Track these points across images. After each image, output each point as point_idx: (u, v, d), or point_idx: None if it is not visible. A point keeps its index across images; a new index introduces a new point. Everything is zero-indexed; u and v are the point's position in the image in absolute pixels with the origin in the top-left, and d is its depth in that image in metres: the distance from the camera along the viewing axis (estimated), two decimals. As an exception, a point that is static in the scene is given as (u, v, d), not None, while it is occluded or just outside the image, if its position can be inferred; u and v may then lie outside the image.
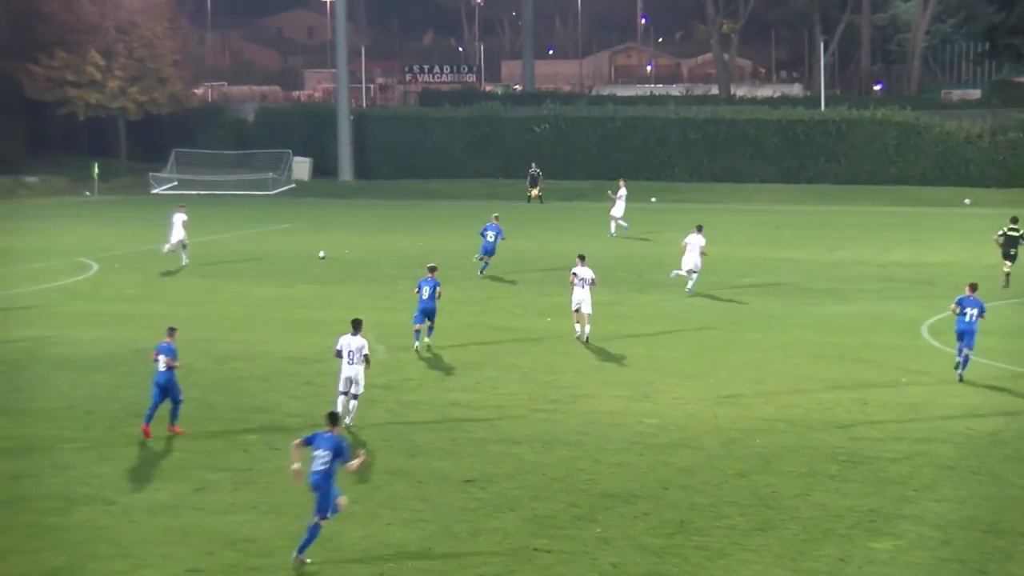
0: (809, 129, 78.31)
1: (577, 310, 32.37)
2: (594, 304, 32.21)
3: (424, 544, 18.27)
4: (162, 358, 23.57)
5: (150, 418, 23.66)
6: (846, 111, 79.01)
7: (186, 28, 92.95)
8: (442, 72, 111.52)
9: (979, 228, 58.27)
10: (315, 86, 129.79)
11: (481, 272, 43.10)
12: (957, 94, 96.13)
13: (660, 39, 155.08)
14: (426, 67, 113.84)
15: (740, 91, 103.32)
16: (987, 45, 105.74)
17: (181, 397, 23.87)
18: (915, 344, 32.24)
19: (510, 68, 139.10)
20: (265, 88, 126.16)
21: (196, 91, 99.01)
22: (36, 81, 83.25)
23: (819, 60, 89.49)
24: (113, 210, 70.79)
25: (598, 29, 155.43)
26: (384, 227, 60.91)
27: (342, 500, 17.85)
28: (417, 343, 30.94)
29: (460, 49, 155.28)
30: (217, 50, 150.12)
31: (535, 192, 71.87)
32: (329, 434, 17.89)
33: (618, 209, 55.57)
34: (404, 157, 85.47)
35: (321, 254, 48.65)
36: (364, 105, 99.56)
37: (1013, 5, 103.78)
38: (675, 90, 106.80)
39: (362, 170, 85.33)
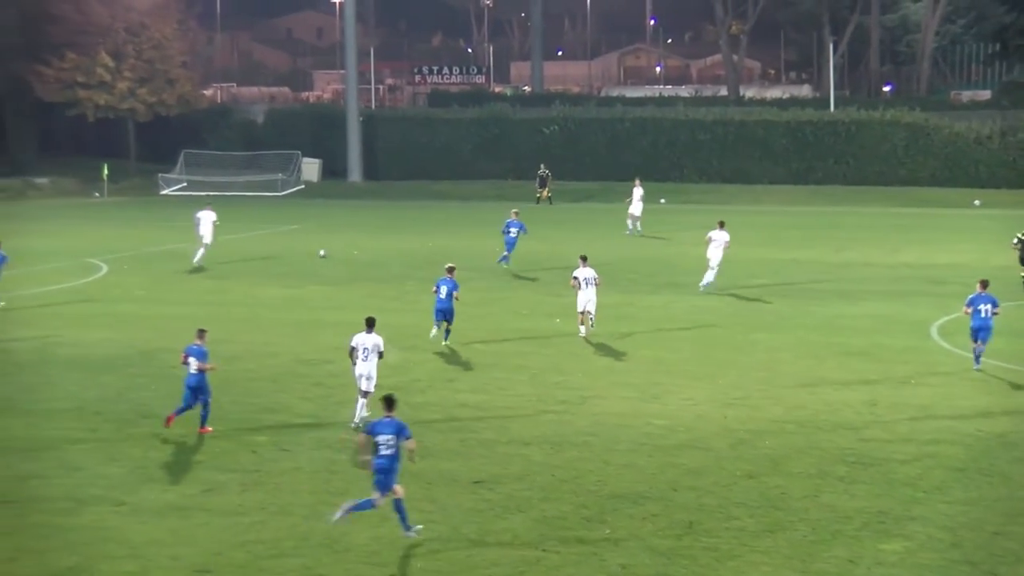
0: (818, 130, 78.22)
1: (583, 311, 32.62)
2: (604, 305, 32.24)
3: (433, 545, 18.28)
4: (192, 361, 23.73)
5: (179, 413, 23.94)
6: (855, 112, 78.93)
7: (195, 29, 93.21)
8: (451, 73, 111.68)
9: (989, 229, 58.25)
10: (324, 87, 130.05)
11: (499, 261, 44.63)
12: (967, 95, 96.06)
13: (669, 40, 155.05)
14: (435, 68, 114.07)
15: (749, 92, 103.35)
16: (997, 46, 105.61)
17: (210, 399, 24.06)
18: (924, 345, 32.19)
19: (519, 69, 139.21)
20: (274, 89, 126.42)
21: (205, 92, 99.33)
22: (46, 83, 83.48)
23: (828, 61, 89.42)
24: (122, 211, 70.92)
25: (607, 30, 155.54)
26: (393, 228, 60.95)
27: (399, 488, 18.33)
28: (433, 333, 31.50)
29: (469, 50, 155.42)
30: (226, 51, 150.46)
31: (544, 193, 71.90)
32: (388, 419, 18.46)
33: (636, 207, 56.50)
34: (413, 158, 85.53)
35: (322, 252, 49.00)
36: (373, 106, 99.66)
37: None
38: (684, 91, 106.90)
39: (371, 171, 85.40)
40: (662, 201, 70.12)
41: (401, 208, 72.17)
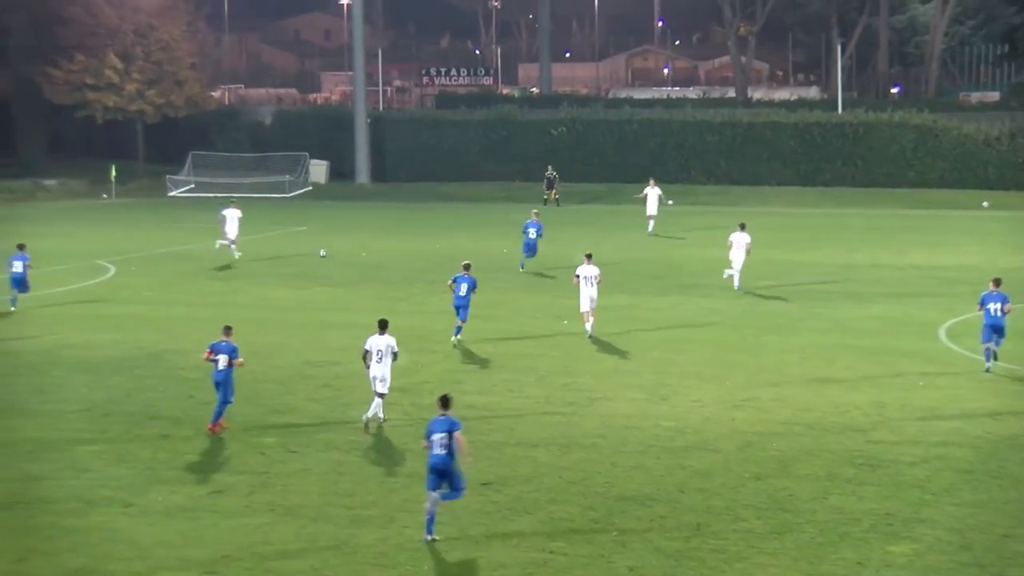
0: (826, 132, 78.14)
1: (585, 311, 33.01)
2: (612, 307, 32.27)
3: (441, 547, 18.28)
4: (222, 357, 23.95)
5: (216, 416, 24.13)
6: (863, 114, 78.82)
7: (203, 31, 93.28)
8: (459, 75, 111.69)
9: (997, 231, 58.24)
10: (332, 89, 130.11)
11: (522, 267, 45.07)
12: (976, 96, 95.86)
13: (677, 42, 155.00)
14: (443, 70, 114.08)
15: (757, 94, 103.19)
16: (1006, 47, 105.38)
17: (232, 399, 24.23)
18: (932, 347, 32.15)
19: (527, 71, 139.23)
20: (282, 91, 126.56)
21: (213, 94, 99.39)
22: (55, 84, 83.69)
23: (836, 63, 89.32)
24: (130, 213, 71.01)
25: (615, 32, 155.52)
26: (401, 230, 60.98)
27: (436, 495, 18.51)
28: (456, 334, 32.03)
29: (477, 52, 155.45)
30: (234, 53, 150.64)
31: (552, 195, 71.94)
32: (443, 417, 18.67)
33: (652, 207, 57.24)
34: (421, 160, 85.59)
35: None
36: (381, 108, 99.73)
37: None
38: (692, 93, 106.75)
39: (379, 173, 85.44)
40: (670, 203, 69.78)
41: (409, 210, 72.21)
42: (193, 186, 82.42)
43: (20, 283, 37.33)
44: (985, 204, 69.82)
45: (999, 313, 28.84)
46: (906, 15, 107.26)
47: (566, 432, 24.13)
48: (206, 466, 22.19)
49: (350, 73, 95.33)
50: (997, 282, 29.46)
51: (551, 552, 18.11)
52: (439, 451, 18.47)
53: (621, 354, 31.23)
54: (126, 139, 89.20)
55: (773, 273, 44.47)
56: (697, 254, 50.74)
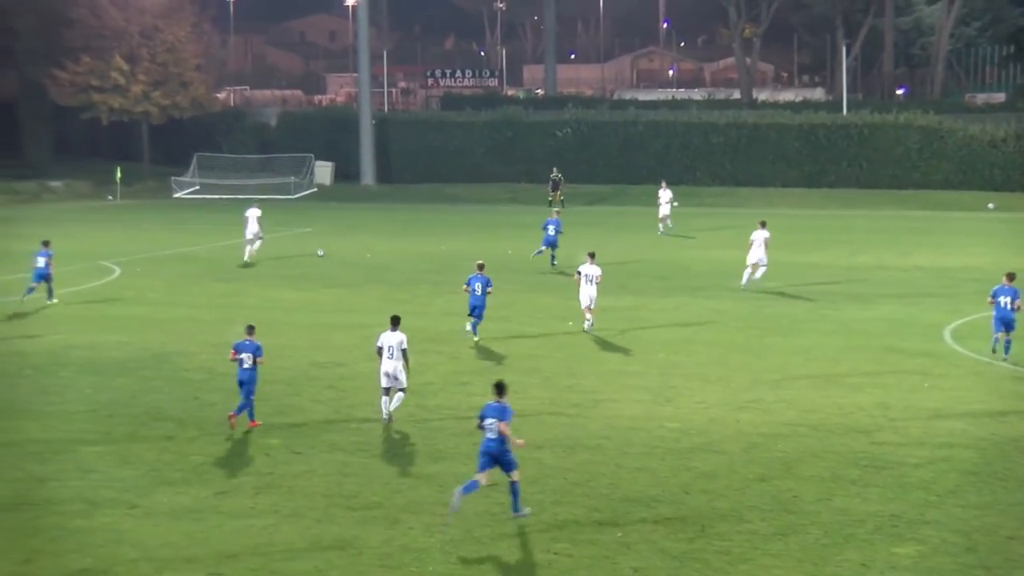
0: (831, 133, 78.07)
1: (584, 307, 33.70)
2: (616, 308, 32.36)
3: (445, 548, 18.30)
4: (247, 356, 24.26)
5: (252, 415, 24.51)
6: (868, 115, 78.75)
7: (209, 32, 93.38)
8: (464, 76, 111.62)
9: (1003, 233, 58.17)
10: (337, 90, 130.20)
11: (552, 263, 45.81)
12: (981, 98, 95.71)
13: (682, 43, 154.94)
14: (448, 71, 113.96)
15: (762, 95, 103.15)
16: (1012, 48, 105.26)
17: (254, 395, 24.54)
18: (937, 348, 32.13)
19: (532, 72, 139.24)
20: (287, 92, 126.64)
21: (218, 95, 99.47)
22: (61, 86, 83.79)
23: (841, 64, 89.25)
24: (135, 214, 71.07)
25: (620, 33, 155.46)
26: (406, 231, 61.01)
27: (516, 473, 19.13)
28: (472, 331, 32.39)
29: (482, 53, 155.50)
30: (239, 54, 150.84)
31: (557, 196, 71.92)
32: (497, 403, 19.28)
33: (664, 209, 58.36)
34: (426, 161, 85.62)
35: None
36: (386, 109, 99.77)
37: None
38: (697, 94, 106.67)
39: (384, 174, 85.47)
40: (675, 204, 69.92)
41: (414, 211, 72.25)
42: (198, 188, 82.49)
43: (43, 278, 38.14)
44: (990, 206, 69.74)
45: (1009, 307, 29.66)
46: (912, 16, 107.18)
47: (571, 433, 24.14)
48: (211, 467, 22.21)
49: (355, 74, 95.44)
50: (1011, 276, 30.38)
51: (556, 553, 18.12)
52: (491, 436, 19.10)
53: (626, 355, 31.24)
54: (131, 141, 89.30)
55: (778, 274, 44.39)
56: (702, 255, 50.76)
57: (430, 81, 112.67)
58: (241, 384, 24.39)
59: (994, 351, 30.41)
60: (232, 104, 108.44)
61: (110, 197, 79.47)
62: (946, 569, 17.59)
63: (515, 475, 19.20)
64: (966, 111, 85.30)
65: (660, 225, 58.44)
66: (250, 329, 24.85)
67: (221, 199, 78.55)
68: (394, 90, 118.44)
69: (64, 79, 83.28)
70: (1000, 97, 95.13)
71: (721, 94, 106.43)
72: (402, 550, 18.24)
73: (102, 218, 68.86)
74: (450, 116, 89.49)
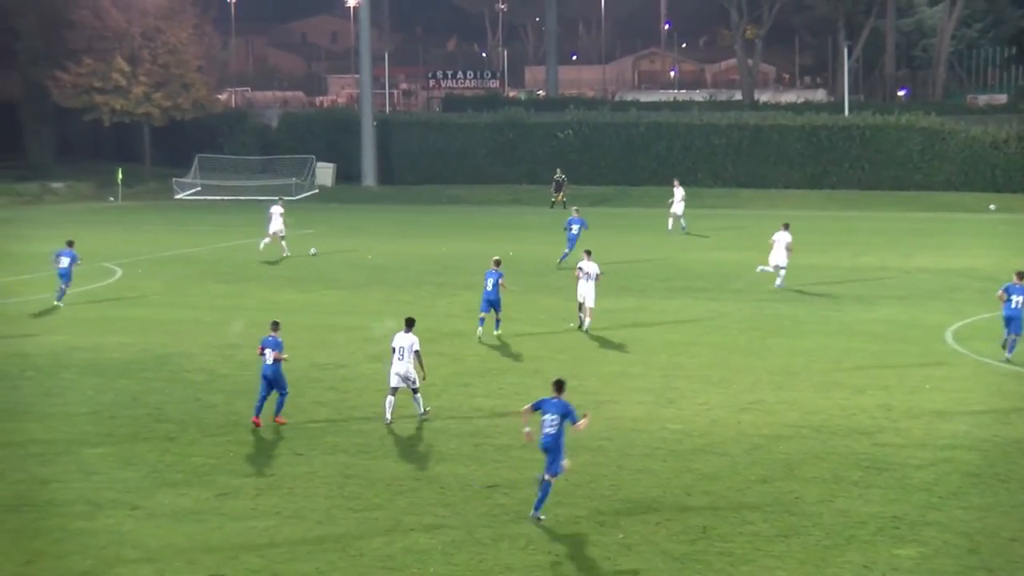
0: (833, 135, 78.04)
1: (581, 303, 34.16)
2: (619, 309, 32.38)
3: (447, 550, 18.29)
4: (269, 351, 24.55)
5: (259, 410, 24.70)
6: (870, 117, 78.69)
7: (210, 34, 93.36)
8: (465, 78, 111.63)
9: (1004, 234, 58.13)
10: (339, 92, 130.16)
11: (560, 260, 46.20)
12: (983, 99, 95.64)
13: (684, 44, 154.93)
14: (450, 73, 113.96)
15: (764, 97, 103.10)
16: (1014, 50, 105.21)
17: (287, 390, 24.89)
18: (940, 350, 32.11)
19: (533, 74, 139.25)
20: (288, 93, 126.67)
21: (220, 97, 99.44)
22: (63, 88, 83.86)
23: (843, 66, 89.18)
24: (137, 215, 71.09)
25: (622, 35, 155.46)
26: (407, 232, 61.01)
27: (566, 463, 19.51)
28: (480, 330, 32.82)
29: (484, 55, 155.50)
30: (241, 55, 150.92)
31: (559, 197, 71.99)
32: (556, 399, 19.53)
33: (679, 207, 58.97)
34: (427, 163, 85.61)
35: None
36: (388, 111, 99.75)
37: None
38: (699, 96, 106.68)
39: (385, 176, 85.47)
40: (669, 202, 70.10)
41: (415, 212, 72.25)
42: (199, 189, 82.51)
43: (66, 277, 38.80)
44: (992, 207, 69.71)
45: (1019, 306, 29.94)
46: (913, 18, 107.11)
47: (572, 435, 24.05)
48: (213, 469, 22.20)
49: (357, 76, 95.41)
50: (1021, 275, 30.52)
51: (557, 555, 18.12)
52: (550, 430, 19.36)
53: (628, 357, 31.23)
54: (133, 142, 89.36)
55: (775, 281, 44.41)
56: (704, 257, 50.75)
57: (431, 82, 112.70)
58: (264, 378, 24.68)
59: (1008, 350, 30.52)
60: (233, 105, 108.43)
61: (112, 198, 79.50)
62: (948, 571, 17.57)
63: (556, 477, 19.47)
64: (968, 112, 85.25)
65: (671, 222, 58.64)
66: (275, 325, 25.23)
67: (223, 200, 78.58)
68: (396, 91, 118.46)
69: (66, 80, 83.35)
70: (1002, 98, 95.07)
71: (723, 95, 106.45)
72: (404, 552, 18.23)
73: (104, 219, 68.85)
74: (452, 117, 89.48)
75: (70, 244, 39.40)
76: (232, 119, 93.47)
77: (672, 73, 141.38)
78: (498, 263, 33.31)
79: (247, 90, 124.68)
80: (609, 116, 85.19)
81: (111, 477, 21.70)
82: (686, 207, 59.39)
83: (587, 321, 34.13)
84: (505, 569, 17.65)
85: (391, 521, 19.44)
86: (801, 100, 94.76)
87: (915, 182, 76.16)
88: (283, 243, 50.57)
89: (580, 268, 34.36)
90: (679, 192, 59.34)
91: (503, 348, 32.17)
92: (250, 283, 44.09)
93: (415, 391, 25.01)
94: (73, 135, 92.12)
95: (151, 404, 26.57)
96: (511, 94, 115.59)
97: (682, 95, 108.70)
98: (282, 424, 24.68)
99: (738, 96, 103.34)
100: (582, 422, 19.56)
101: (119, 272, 46.50)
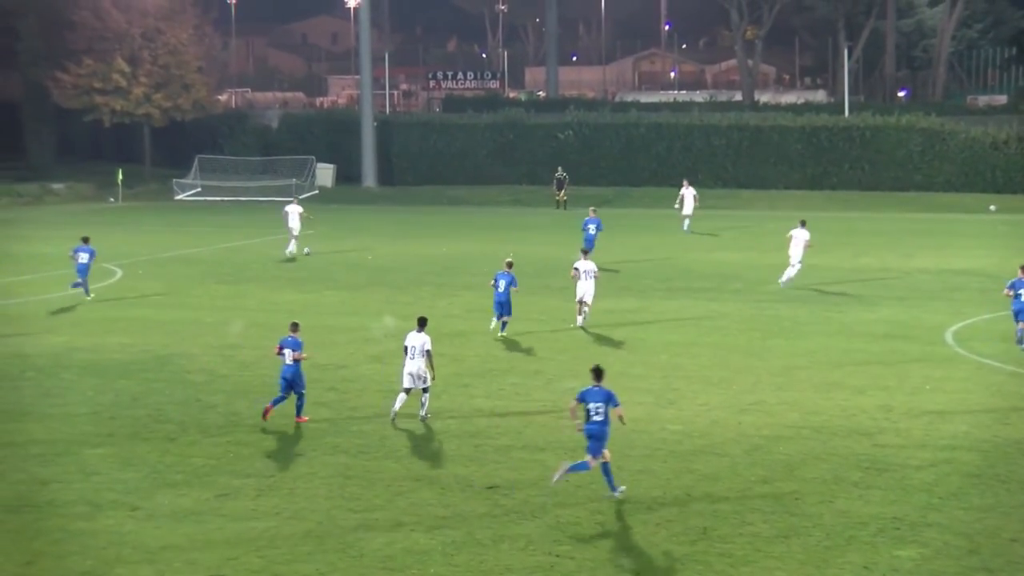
0: (833, 135, 78.08)
1: (580, 301, 34.65)
2: (620, 310, 32.41)
3: (447, 551, 18.29)
4: (288, 352, 24.75)
5: (275, 404, 24.89)
6: (870, 117, 78.74)
7: (211, 35, 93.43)
8: (466, 78, 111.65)
9: (1005, 234, 58.13)
10: (339, 92, 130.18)
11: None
12: (983, 100, 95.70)
13: (684, 45, 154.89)
14: (450, 73, 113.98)
15: (764, 97, 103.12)
16: (1014, 50, 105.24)
17: (304, 389, 25.01)
18: (940, 351, 32.11)
19: (534, 74, 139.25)
20: (288, 94, 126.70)
21: (220, 97, 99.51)
22: (63, 88, 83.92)
23: (843, 66, 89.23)
24: (137, 216, 71.12)
25: (622, 35, 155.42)
26: (408, 233, 61.01)
27: (607, 452, 20.12)
28: (494, 323, 33.31)
29: (484, 55, 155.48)
30: (241, 56, 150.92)
31: (561, 196, 72.00)
32: (597, 388, 20.22)
33: (688, 207, 59.46)
34: (428, 163, 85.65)
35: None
36: (388, 111, 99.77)
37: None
38: (699, 96, 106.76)
39: (385, 176, 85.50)
40: (676, 206, 70.09)
41: (416, 213, 72.26)
42: (200, 190, 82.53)
43: (84, 272, 39.45)
44: (992, 208, 69.72)
45: None
46: (914, 19, 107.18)
47: (573, 436, 24.03)
48: (213, 470, 22.19)
49: (357, 77, 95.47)
50: None
51: (558, 556, 18.11)
52: (596, 418, 19.97)
53: (628, 357, 31.21)
54: (133, 143, 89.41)
55: (780, 276, 44.40)
56: (705, 257, 50.75)
57: (432, 83, 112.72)
58: (284, 379, 24.82)
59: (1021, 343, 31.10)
60: (234, 106, 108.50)
61: (112, 199, 79.53)
62: (948, 572, 17.56)
63: (606, 454, 20.10)
64: (968, 113, 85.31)
65: (686, 223, 59.20)
66: (294, 326, 25.41)
67: (223, 201, 78.59)
68: (396, 92, 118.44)
69: (66, 81, 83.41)
70: (1002, 99, 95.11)
71: (723, 96, 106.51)
72: (404, 552, 18.23)
73: (104, 220, 68.82)
74: (452, 118, 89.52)
75: (85, 240, 39.90)
76: (232, 120, 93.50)
77: (672, 74, 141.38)
78: (510, 265, 33.49)
79: (247, 91, 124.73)
80: (609, 117, 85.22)
81: (111, 478, 21.69)
82: (675, 210, 59.46)
83: (586, 310, 34.59)
84: (505, 570, 17.64)
85: (391, 522, 19.43)
86: (801, 101, 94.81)
87: (915, 183, 76.20)
88: (293, 241, 51.00)
89: (576, 268, 34.70)
90: (690, 192, 59.56)
91: (503, 348, 32.17)
92: (250, 284, 44.10)
93: (425, 390, 25.11)
94: (73, 136, 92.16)
95: (151, 405, 26.57)
96: (511, 95, 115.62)
97: (682, 96, 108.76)
98: (304, 422, 24.80)
99: (738, 97, 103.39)
100: (622, 408, 20.23)
101: (119, 273, 46.49)
